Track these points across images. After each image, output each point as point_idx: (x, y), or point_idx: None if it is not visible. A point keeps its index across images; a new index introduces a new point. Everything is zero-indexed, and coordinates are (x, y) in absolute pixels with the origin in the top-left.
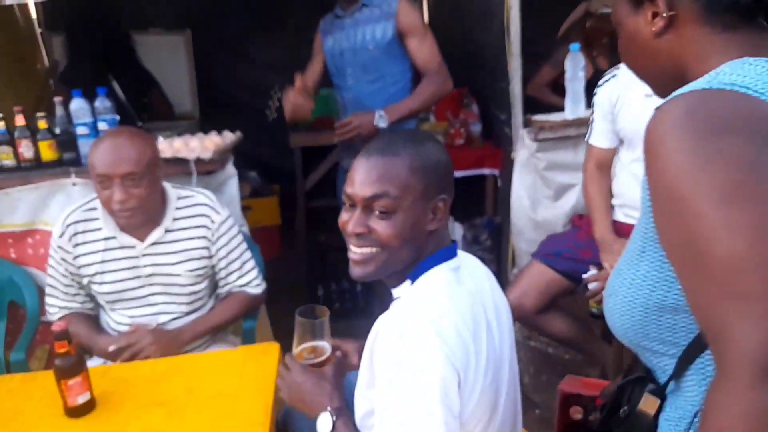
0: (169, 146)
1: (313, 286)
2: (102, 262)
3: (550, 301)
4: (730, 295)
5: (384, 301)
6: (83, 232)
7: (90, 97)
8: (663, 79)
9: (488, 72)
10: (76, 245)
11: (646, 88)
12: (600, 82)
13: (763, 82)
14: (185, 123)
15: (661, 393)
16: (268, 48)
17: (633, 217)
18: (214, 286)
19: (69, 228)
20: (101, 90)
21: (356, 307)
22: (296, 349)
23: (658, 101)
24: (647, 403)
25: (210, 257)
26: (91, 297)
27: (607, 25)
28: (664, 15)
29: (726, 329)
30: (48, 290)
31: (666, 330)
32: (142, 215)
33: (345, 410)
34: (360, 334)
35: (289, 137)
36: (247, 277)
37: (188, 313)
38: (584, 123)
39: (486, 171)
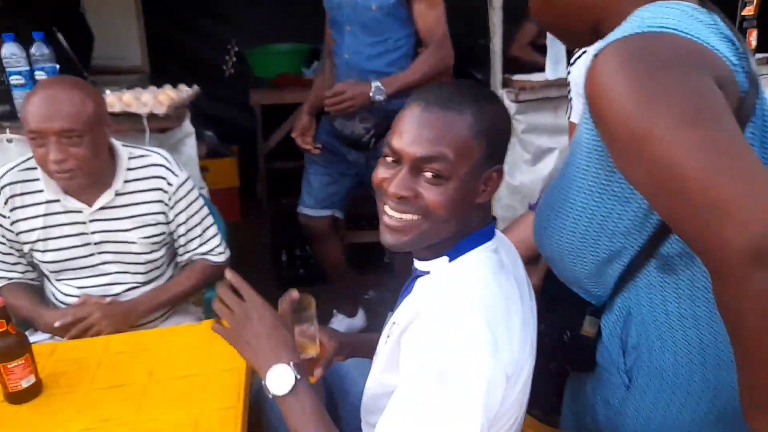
0: (117, 100)
1: (276, 251)
2: (44, 227)
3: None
4: (710, 206)
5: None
6: (21, 194)
7: (26, 45)
8: (578, 31)
9: (464, 27)
10: (14, 209)
11: None
12: (572, 59)
13: (684, 23)
14: (133, 77)
15: (598, 313)
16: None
17: None
18: (172, 254)
19: (4, 190)
20: (37, 35)
21: (322, 273)
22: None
23: None
24: (588, 325)
25: (167, 223)
26: (34, 266)
27: None
28: None
29: (713, 238)
30: None
31: (603, 251)
32: (85, 177)
33: (305, 373)
34: (326, 301)
35: (249, 95)
36: (209, 245)
37: (144, 284)
38: (565, 84)
39: None
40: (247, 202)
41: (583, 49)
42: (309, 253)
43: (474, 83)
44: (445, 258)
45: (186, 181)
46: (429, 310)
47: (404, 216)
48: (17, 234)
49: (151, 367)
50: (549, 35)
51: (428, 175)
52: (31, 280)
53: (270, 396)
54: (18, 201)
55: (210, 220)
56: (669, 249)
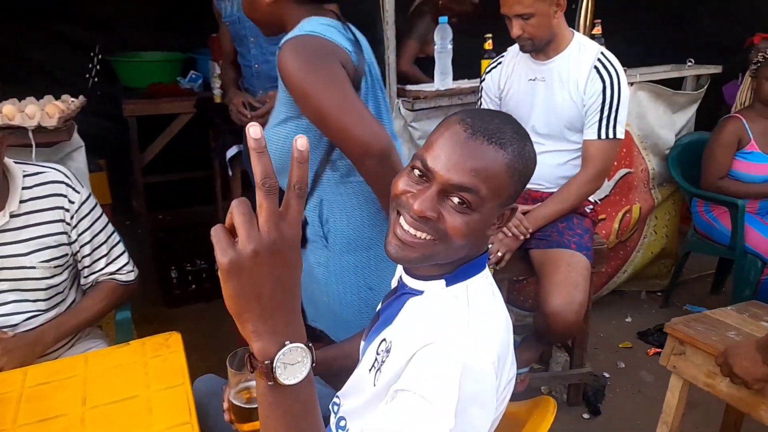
0: None
1: (163, 269)
2: None
3: None
4: (342, 129)
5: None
6: None
7: None
8: (272, 28)
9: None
10: None
11: (529, 73)
12: (487, 68)
13: (324, 30)
14: None
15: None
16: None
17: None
18: (75, 276)
19: None
20: None
21: (217, 287)
22: (231, 395)
23: (540, 84)
24: None
25: (70, 243)
26: None
27: (458, 4)
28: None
29: (348, 145)
30: None
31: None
32: None
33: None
34: (224, 316)
35: (119, 105)
36: (116, 263)
37: (47, 311)
38: (455, 94)
39: None
40: (122, 218)
41: (498, 61)
42: (201, 267)
43: (513, 118)
44: (443, 281)
45: (88, 197)
46: (438, 344)
47: (419, 234)
48: None
49: (84, 395)
50: (436, 48)
51: (455, 200)
52: None
53: (269, 383)
54: None
55: (116, 237)
56: (335, 156)
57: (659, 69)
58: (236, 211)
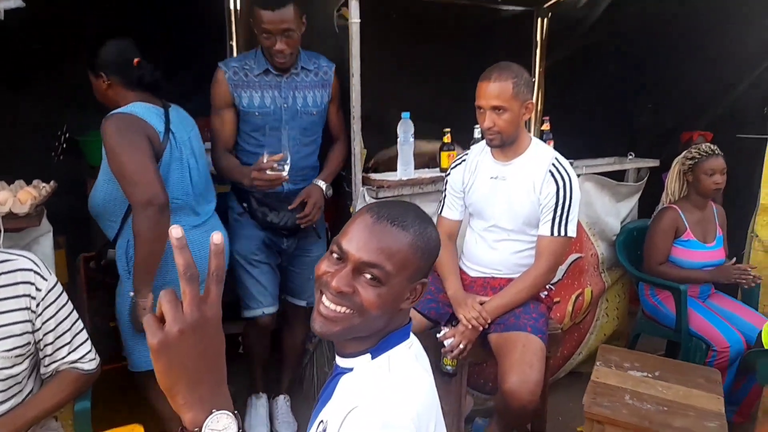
0: None
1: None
2: None
3: None
4: (132, 183)
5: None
6: None
7: None
8: (109, 107)
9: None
10: None
11: (491, 172)
12: (452, 164)
13: (140, 110)
14: None
15: (113, 244)
16: (55, 81)
17: (482, 272)
18: (35, 364)
19: None
20: None
21: None
22: None
23: (501, 183)
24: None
25: (33, 332)
26: None
27: None
28: (105, 82)
29: (133, 195)
30: None
31: (112, 209)
32: None
33: None
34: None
35: (84, 183)
36: (79, 351)
37: (2, 402)
38: (416, 183)
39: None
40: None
41: (461, 159)
42: None
43: (416, 206)
44: (368, 355)
45: (55, 285)
46: (362, 406)
47: (339, 308)
48: None
49: None
50: (399, 140)
51: (368, 276)
52: None
53: None
54: None
55: (80, 324)
56: None
57: (603, 161)
58: (164, 299)
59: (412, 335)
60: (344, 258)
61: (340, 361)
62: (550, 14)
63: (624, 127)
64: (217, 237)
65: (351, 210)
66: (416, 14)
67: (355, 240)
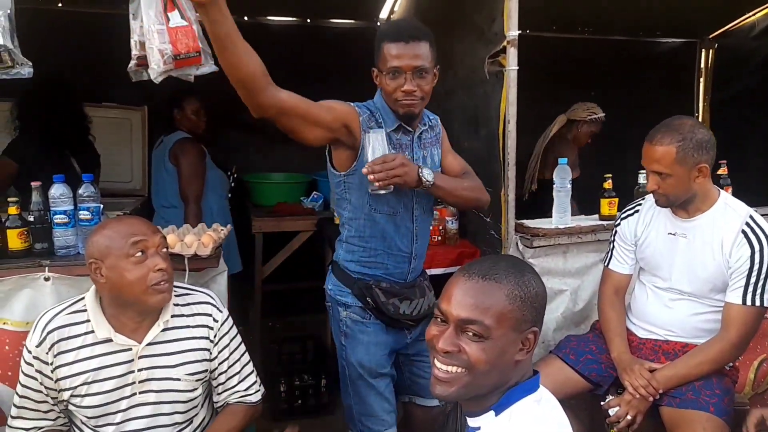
0: None
1: (273, 381)
2: (91, 371)
3: (562, 400)
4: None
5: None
6: (68, 338)
7: (44, 174)
8: None
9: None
10: (59, 354)
11: (669, 227)
12: (622, 214)
13: None
14: (133, 200)
15: None
16: (228, 128)
17: (653, 333)
18: (208, 392)
19: (51, 335)
20: (87, 177)
21: (320, 403)
22: None
23: (681, 240)
24: None
25: (210, 360)
26: (66, 413)
27: (595, 127)
28: None
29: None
30: (14, 411)
31: None
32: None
33: None
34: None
35: (248, 219)
36: (246, 382)
37: (183, 427)
38: (574, 233)
39: None
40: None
41: (634, 209)
42: (308, 382)
43: (512, 257)
44: (492, 412)
45: (228, 317)
46: None
47: (450, 368)
48: (56, 381)
49: None
50: (555, 187)
51: (470, 333)
52: (61, 426)
53: None
54: (64, 345)
55: (247, 357)
56: None
57: None
58: None
59: (542, 388)
60: (446, 319)
61: (470, 421)
62: (716, 45)
63: None
64: None
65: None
66: (568, 54)
67: (452, 300)
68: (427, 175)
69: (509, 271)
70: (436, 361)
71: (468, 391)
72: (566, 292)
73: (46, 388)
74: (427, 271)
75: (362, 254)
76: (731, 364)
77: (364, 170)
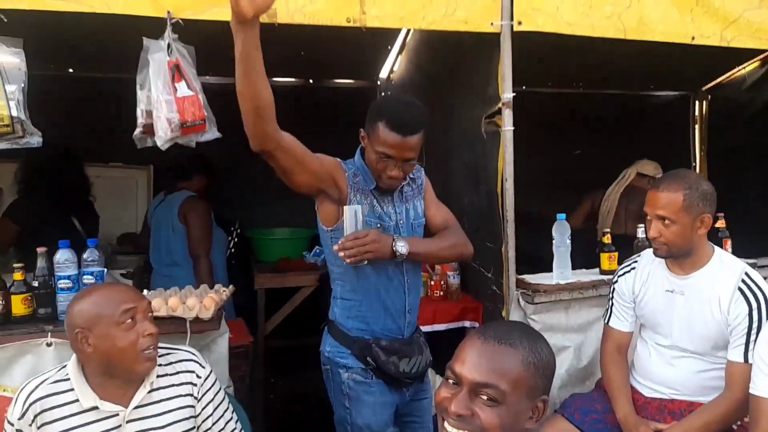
0: (163, 303)
1: None
2: None
3: None
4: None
5: None
6: (51, 408)
7: (47, 239)
8: None
9: (473, 231)
10: (42, 426)
11: (666, 284)
12: (619, 271)
13: None
14: (136, 257)
15: None
16: (232, 184)
17: (658, 391)
18: None
19: (33, 406)
20: (91, 242)
21: None
22: None
23: (679, 297)
24: None
25: (196, 416)
26: None
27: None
28: None
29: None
30: None
31: None
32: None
33: None
34: None
35: (252, 277)
36: None
37: None
38: (575, 288)
39: (467, 323)
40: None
41: (630, 266)
42: None
43: (525, 325)
44: None
45: (211, 373)
46: None
47: None
48: None
49: None
50: (554, 243)
51: (484, 398)
52: None
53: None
54: (48, 416)
55: (231, 412)
56: None
57: None
58: None
59: None
60: (459, 382)
61: None
62: (709, 97)
63: None
64: None
65: (503, 314)
66: (562, 109)
67: (467, 363)
68: (401, 247)
69: (523, 338)
70: (446, 425)
71: None
72: (570, 348)
73: None
74: (430, 327)
75: (359, 309)
76: (739, 422)
77: (335, 248)
